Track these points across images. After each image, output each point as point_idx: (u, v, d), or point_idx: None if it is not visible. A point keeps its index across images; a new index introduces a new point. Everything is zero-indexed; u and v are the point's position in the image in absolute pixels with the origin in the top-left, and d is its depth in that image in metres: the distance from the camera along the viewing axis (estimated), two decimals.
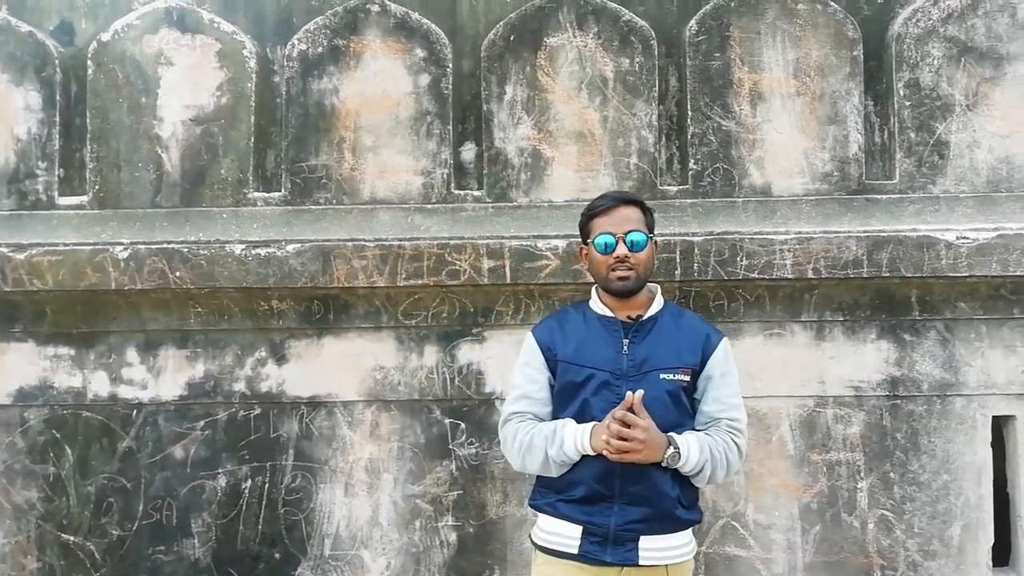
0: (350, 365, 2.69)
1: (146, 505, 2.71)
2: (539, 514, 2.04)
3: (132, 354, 2.73)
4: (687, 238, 2.55)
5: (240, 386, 2.71)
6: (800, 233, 2.54)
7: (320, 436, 2.69)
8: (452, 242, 2.59)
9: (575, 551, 1.93)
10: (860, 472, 2.60)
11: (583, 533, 1.92)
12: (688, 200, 2.67)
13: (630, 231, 1.97)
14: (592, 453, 1.90)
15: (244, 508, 2.69)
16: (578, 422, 1.95)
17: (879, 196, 2.64)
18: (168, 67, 2.77)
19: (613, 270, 1.97)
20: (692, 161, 2.68)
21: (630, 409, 1.84)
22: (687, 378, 1.98)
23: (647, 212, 2.06)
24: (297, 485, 2.69)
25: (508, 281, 2.57)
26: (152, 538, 2.70)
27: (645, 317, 2.01)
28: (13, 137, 2.80)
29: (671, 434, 1.91)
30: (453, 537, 2.66)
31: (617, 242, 1.97)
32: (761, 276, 2.53)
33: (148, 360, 2.73)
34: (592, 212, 2.04)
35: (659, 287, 2.12)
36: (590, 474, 1.93)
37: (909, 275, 2.51)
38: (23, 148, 2.80)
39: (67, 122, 2.84)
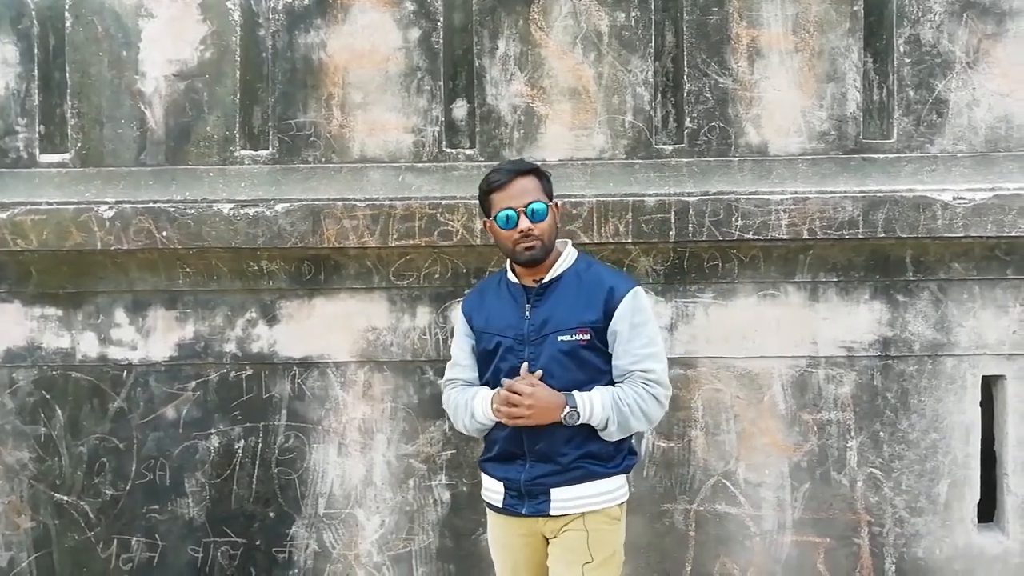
0: (342, 326, 2.67)
1: (139, 465, 2.71)
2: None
3: (120, 315, 2.70)
4: (682, 198, 2.52)
5: (231, 347, 2.69)
6: (796, 193, 2.52)
7: (313, 397, 2.69)
8: (444, 202, 2.55)
9: (500, 504, 2.08)
10: (850, 431, 2.62)
11: (504, 488, 2.06)
12: (684, 159, 2.63)
13: (529, 203, 1.99)
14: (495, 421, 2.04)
15: (238, 468, 2.70)
16: (491, 386, 2.08)
17: (876, 155, 2.61)
18: (149, 19, 2.68)
19: (518, 243, 2.00)
20: (688, 119, 2.63)
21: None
22: (587, 336, 2.01)
23: (543, 178, 2.08)
24: (290, 445, 2.69)
25: None
26: (146, 497, 2.71)
27: (545, 280, 2.06)
28: None
29: (574, 392, 1.98)
30: (446, 496, 2.68)
31: (518, 216, 1.99)
32: (756, 237, 2.51)
33: (137, 321, 2.70)
34: (489, 188, 2.06)
35: (569, 242, 2.14)
36: (502, 435, 2.05)
37: (904, 236, 2.50)
38: (1, 104, 2.72)
39: (46, 77, 2.76)
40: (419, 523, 2.68)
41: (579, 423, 1.97)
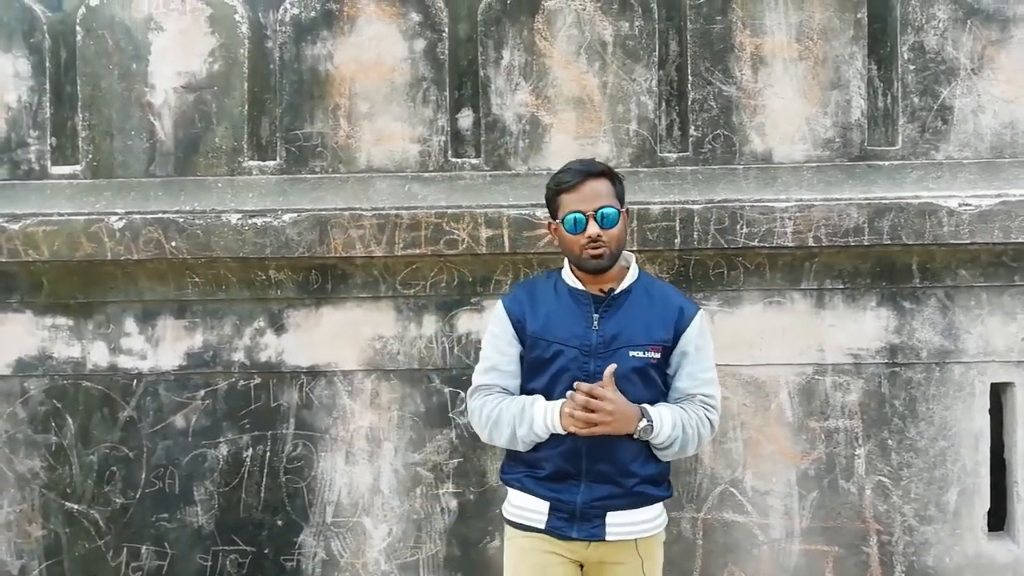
0: (349, 335, 2.68)
1: (149, 473, 2.73)
2: (509, 488, 2.04)
3: (130, 324, 2.73)
4: (687, 206, 2.52)
5: (239, 356, 2.71)
6: (801, 200, 2.52)
7: (320, 405, 2.70)
8: (450, 211, 2.56)
9: (542, 526, 1.94)
10: (858, 439, 2.61)
11: (550, 509, 1.93)
12: (688, 167, 2.64)
13: (600, 207, 1.90)
14: (562, 432, 1.88)
15: (246, 476, 2.71)
16: (546, 398, 1.94)
17: (881, 162, 2.61)
18: (158, 32, 2.71)
19: (585, 249, 1.91)
20: (692, 127, 2.64)
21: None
22: (657, 355, 1.95)
23: (616, 181, 1.98)
24: (298, 454, 2.71)
25: (507, 250, 2.55)
26: (155, 506, 2.73)
27: (617, 291, 1.97)
28: (4, 105, 2.76)
29: (644, 405, 1.89)
30: (454, 504, 2.68)
31: (588, 220, 1.89)
32: (761, 244, 2.51)
33: (147, 330, 2.73)
34: (559, 188, 1.95)
35: (634, 256, 2.08)
36: (556, 452, 1.92)
37: (910, 243, 2.49)
38: (14, 116, 2.76)
39: (57, 90, 2.80)
40: (426, 531, 2.69)
41: (646, 439, 1.88)
